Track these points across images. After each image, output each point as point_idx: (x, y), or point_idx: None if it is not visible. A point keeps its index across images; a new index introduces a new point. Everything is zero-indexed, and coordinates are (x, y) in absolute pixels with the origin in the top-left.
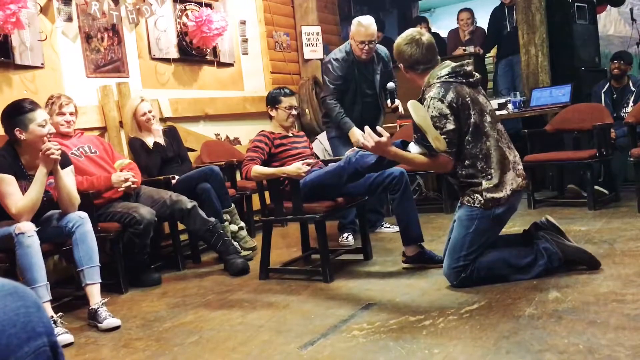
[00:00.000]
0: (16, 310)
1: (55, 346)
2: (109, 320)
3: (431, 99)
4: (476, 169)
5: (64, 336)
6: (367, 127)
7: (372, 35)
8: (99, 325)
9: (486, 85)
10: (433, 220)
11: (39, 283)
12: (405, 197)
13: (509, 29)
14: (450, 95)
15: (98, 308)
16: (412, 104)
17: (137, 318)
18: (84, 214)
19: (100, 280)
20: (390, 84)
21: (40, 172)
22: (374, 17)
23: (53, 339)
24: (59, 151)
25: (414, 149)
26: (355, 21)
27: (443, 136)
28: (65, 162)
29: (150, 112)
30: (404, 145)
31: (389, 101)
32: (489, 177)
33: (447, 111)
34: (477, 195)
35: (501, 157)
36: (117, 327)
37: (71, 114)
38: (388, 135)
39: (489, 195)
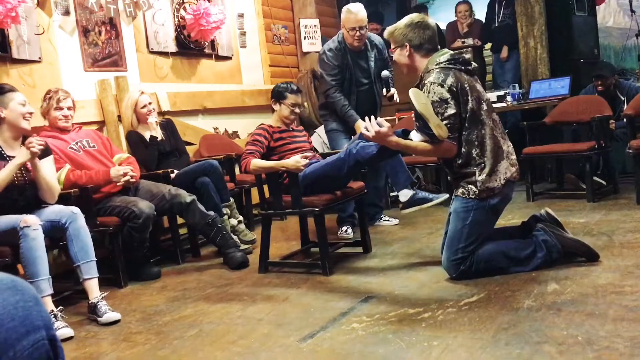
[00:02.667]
0: (15, 304)
1: (54, 340)
2: (109, 315)
3: (431, 84)
4: (471, 157)
5: (64, 330)
6: (372, 118)
7: (362, 21)
8: (99, 319)
9: (485, 77)
10: (432, 212)
11: (41, 277)
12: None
13: (496, 24)
14: (450, 80)
15: (97, 302)
16: (413, 92)
17: (136, 312)
18: (76, 209)
19: (97, 275)
20: (385, 72)
21: (13, 163)
22: (373, 9)
23: (52, 332)
24: (41, 147)
25: (415, 137)
26: (344, 9)
27: (444, 122)
28: (45, 152)
29: (150, 104)
30: (404, 134)
31: (384, 90)
32: (482, 165)
33: (448, 95)
34: (471, 186)
35: (495, 146)
36: (117, 321)
37: (69, 108)
38: (389, 125)
39: (483, 185)
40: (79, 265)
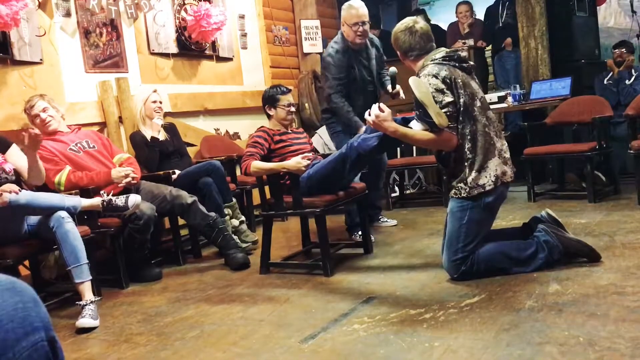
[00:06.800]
0: (14, 305)
1: (54, 341)
2: (83, 320)
3: (426, 77)
4: (463, 150)
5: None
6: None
7: (364, 16)
8: (76, 323)
9: (487, 78)
10: (433, 213)
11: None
12: None
13: (500, 24)
14: (444, 72)
15: (85, 305)
16: (413, 80)
17: (138, 313)
18: (64, 214)
19: (89, 278)
20: (392, 69)
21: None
22: (374, 11)
23: (51, 333)
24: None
25: (416, 126)
26: (345, 6)
27: (444, 110)
28: (5, 145)
29: (161, 102)
30: (405, 122)
31: (389, 86)
32: (472, 161)
33: (442, 85)
34: (461, 184)
35: (486, 143)
36: (91, 329)
37: (44, 110)
38: (389, 110)
39: (474, 182)
40: (71, 270)
